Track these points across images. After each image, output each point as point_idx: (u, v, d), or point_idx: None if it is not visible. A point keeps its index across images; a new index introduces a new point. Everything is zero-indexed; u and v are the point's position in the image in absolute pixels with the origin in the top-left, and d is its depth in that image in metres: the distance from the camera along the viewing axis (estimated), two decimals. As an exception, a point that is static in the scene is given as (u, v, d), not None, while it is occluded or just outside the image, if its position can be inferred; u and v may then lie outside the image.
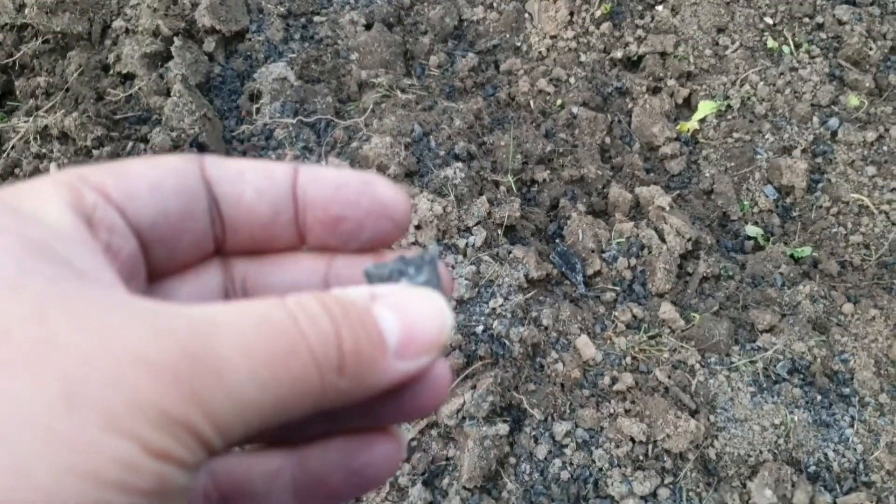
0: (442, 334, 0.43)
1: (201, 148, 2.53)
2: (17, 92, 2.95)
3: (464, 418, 2.11)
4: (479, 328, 2.25)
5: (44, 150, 2.56)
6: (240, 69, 2.83)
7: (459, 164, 2.40)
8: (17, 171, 2.53)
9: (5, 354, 0.32)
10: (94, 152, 2.52)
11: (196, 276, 0.49)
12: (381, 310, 0.41)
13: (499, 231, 2.41)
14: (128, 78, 2.84)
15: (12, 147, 2.57)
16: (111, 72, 2.90)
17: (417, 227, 2.28)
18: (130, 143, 2.58)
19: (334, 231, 0.49)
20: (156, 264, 0.46)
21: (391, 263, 0.46)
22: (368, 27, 2.88)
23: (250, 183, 0.47)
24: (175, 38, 2.75)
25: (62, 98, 2.79)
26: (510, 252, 2.36)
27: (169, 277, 0.48)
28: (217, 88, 2.78)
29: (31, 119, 2.61)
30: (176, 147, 2.51)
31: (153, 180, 0.44)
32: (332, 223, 0.48)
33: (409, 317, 0.41)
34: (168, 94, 2.66)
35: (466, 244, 2.33)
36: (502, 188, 2.49)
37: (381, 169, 2.41)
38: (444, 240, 2.32)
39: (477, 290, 2.30)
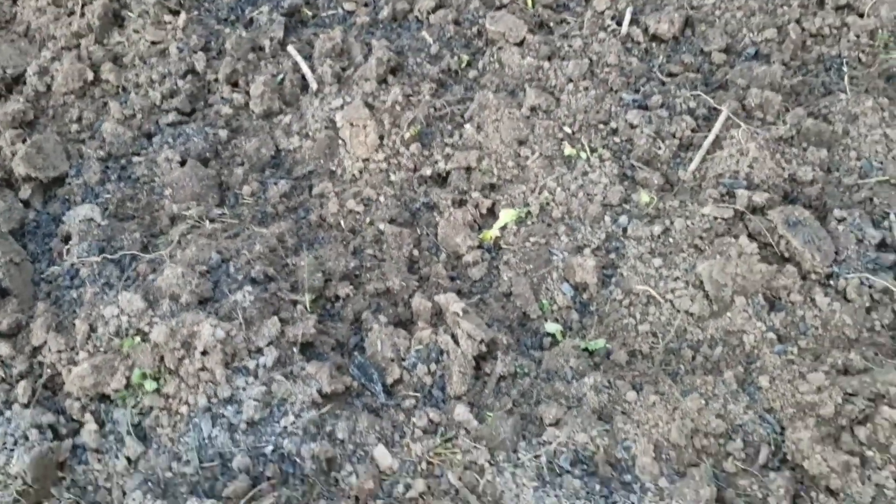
0: None
1: (3, 293, 2.59)
2: None
3: (246, 541, 2.11)
4: (269, 448, 2.29)
5: None
6: (56, 213, 2.93)
7: (249, 288, 2.50)
8: None
9: None
10: None
11: None
12: None
13: (294, 349, 2.48)
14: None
15: None
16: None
17: (203, 353, 2.34)
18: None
19: None
20: None
21: None
22: (183, 163, 3.02)
23: None
24: (-10, 188, 2.85)
25: None
26: (304, 369, 2.43)
27: None
28: (32, 233, 2.87)
29: None
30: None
31: None
32: None
33: None
34: (-20, 242, 2.74)
35: (257, 365, 2.40)
36: (299, 307, 2.58)
37: (174, 298, 2.49)
38: (234, 363, 2.38)
39: (269, 409, 2.35)
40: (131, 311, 2.45)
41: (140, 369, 2.35)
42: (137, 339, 2.41)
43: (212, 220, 2.86)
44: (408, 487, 2.29)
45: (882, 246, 2.78)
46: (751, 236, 2.74)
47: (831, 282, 2.69)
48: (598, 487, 2.25)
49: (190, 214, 2.86)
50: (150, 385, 2.35)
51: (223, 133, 3.20)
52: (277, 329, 2.44)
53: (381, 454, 2.34)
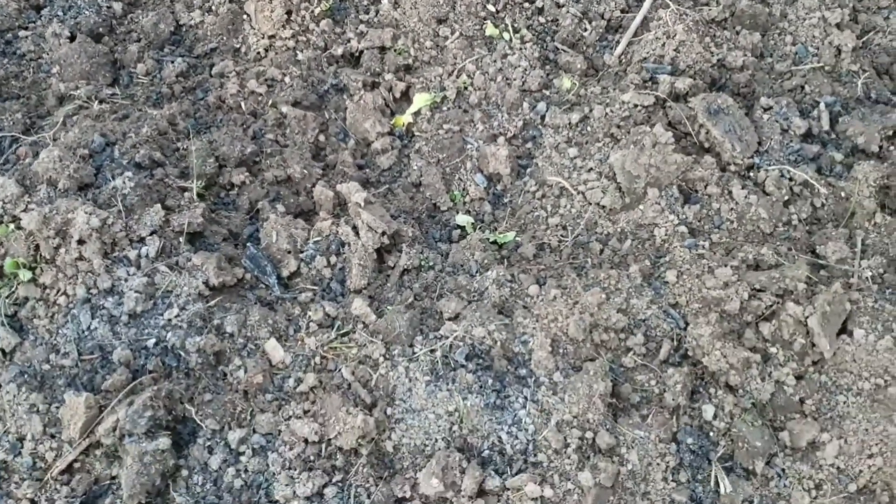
0: None
1: None
2: None
3: (123, 436, 2.05)
4: (151, 341, 2.20)
5: None
6: (-68, 91, 2.72)
7: (130, 173, 2.34)
8: None
9: None
10: None
11: None
12: None
13: (180, 239, 2.35)
14: None
15: None
16: None
17: (80, 242, 2.21)
18: None
19: None
20: None
21: None
22: (72, 39, 2.80)
23: None
24: None
25: None
26: (189, 260, 2.31)
27: None
28: None
29: None
30: None
31: None
32: None
33: None
34: None
35: (139, 255, 2.27)
36: (188, 195, 2.44)
37: (51, 184, 2.33)
38: (114, 252, 2.25)
39: (152, 301, 2.24)
40: (5, 197, 2.30)
41: (13, 258, 2.22)
42: (11, 226, 2.26)
43: (101, 101, 2.67)
44: (299, 382, 2.22)
45: (808, 137, 2.67)
46: (670, 125, 2.60)
47: (751, 174, 2.59)
48: (490, 381, 2.20)
49: (79, 94, 2.66)
50: (24, 274, 2.22)
51: (118, 6, 2.96)
52: (161, 217, 2.31)
53: (273, 348, 2.26)
